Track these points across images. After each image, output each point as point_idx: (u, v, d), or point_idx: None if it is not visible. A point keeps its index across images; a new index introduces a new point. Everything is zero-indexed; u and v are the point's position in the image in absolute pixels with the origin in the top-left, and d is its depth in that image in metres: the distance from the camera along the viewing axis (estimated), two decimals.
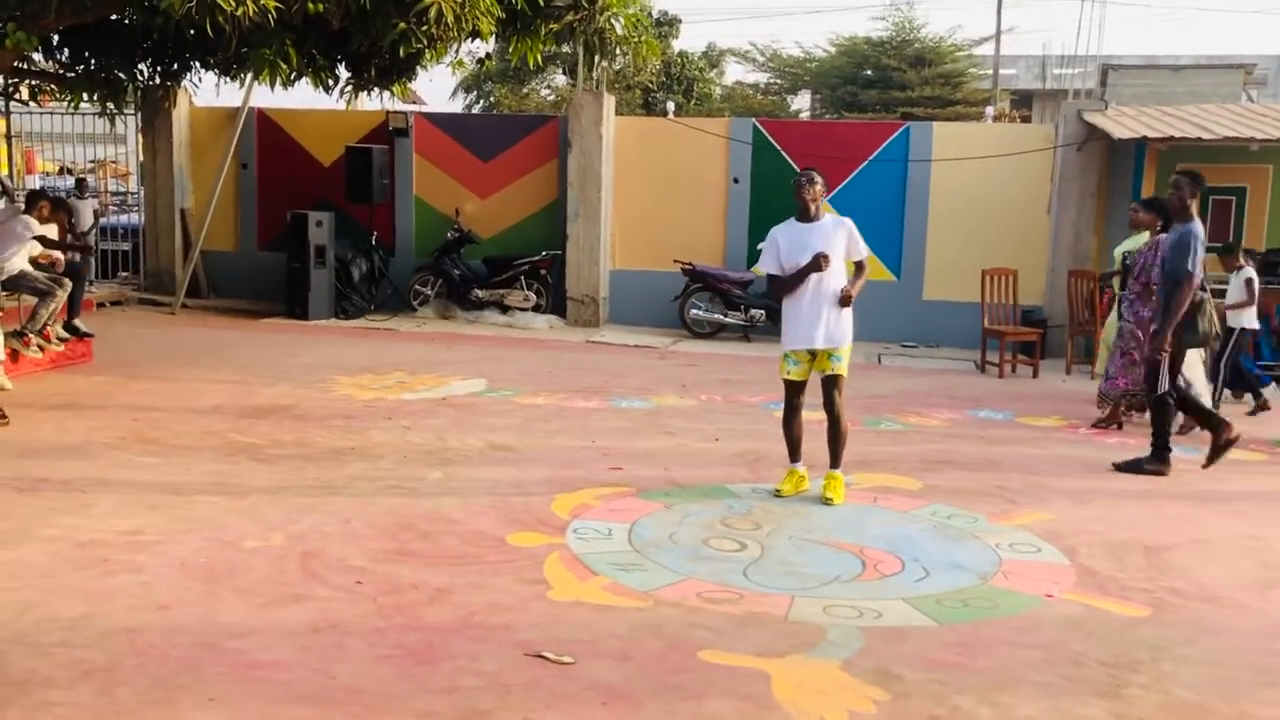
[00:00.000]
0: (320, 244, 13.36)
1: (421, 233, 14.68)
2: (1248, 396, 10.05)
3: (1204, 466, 7.43)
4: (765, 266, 6.57)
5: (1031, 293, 12.89)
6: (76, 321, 9.75)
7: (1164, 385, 7.43)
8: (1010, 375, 11.54)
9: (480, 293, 13.98)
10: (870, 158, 13.58)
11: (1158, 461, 7.45)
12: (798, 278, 6.32)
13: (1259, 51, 26.94)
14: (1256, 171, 12.71)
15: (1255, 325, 9.79)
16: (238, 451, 7.05)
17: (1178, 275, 7.22)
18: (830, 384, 6.40)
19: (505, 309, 13.90)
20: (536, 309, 13.90)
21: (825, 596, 4.89)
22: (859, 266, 6.49)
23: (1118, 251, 9.50)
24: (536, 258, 13.96)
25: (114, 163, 19.45)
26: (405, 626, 4.37)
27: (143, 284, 14.70)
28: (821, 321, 6.31)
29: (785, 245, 6.42)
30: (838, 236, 6.36)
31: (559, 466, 6.97)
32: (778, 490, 6.50)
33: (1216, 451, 7.39)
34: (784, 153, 13.75)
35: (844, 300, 6.28)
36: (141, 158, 15.10)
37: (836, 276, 6.34)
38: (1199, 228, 7.24)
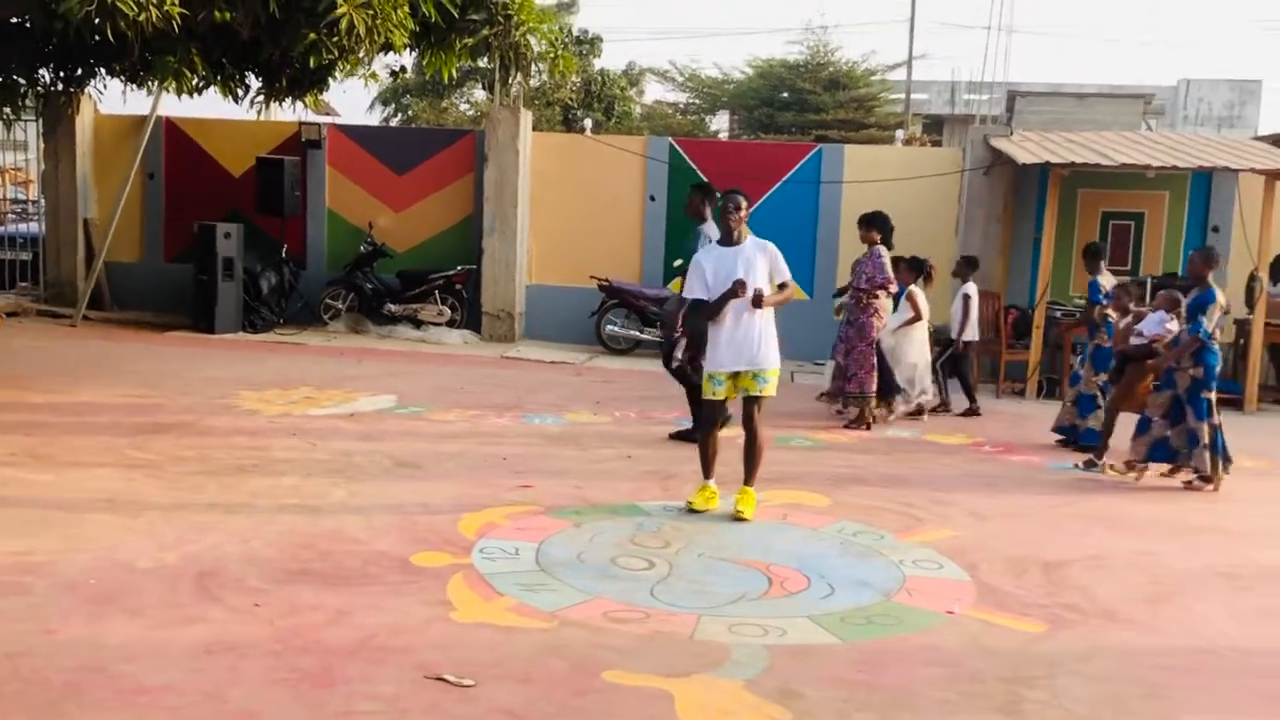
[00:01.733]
0: (229, 256, 13.08)
1: (334, 246, 14.47)
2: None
3: (669, 436, 8.41)
4: (691, 293, 6.61)
5: (939, 313, 13.12)
6: None
7: (677, 359, 8.16)
8: None
9: (393, 307, 13.82)
10: (784, 178, 13.74)
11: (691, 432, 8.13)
12: (719, 304, 6.41)
13: (1157, 82, 27.93)
14: (1154, 198, 13.13)
15: (974, 337, 10.79)
16: (135, 468, 6.85)
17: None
18: (752, 403, 6.47)
19: (419, 324, 13.75)
20: (451, 324, 13.77)
21: (731, 615, 4.90)
22: (782, 287, 6.58)
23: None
24: (451, 272, 13.84)
25: (14, 170, 18.84)
26: (302, 649, 4.27)
27: (42, 295, 14.24)
28: (747, 344, 6.39)
29: (712, 271, 6.49)
30: (760, 261, 6.47)
31: (467, 485, 6.89)
32: (689, 504, 6.51)
33: (686, 435, 8.19)
34: (700, 172, 13.82)
35: (756, 300, 6.32)
36: (43, 165, 14.64)
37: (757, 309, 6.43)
38: (711, 228, 7.90)
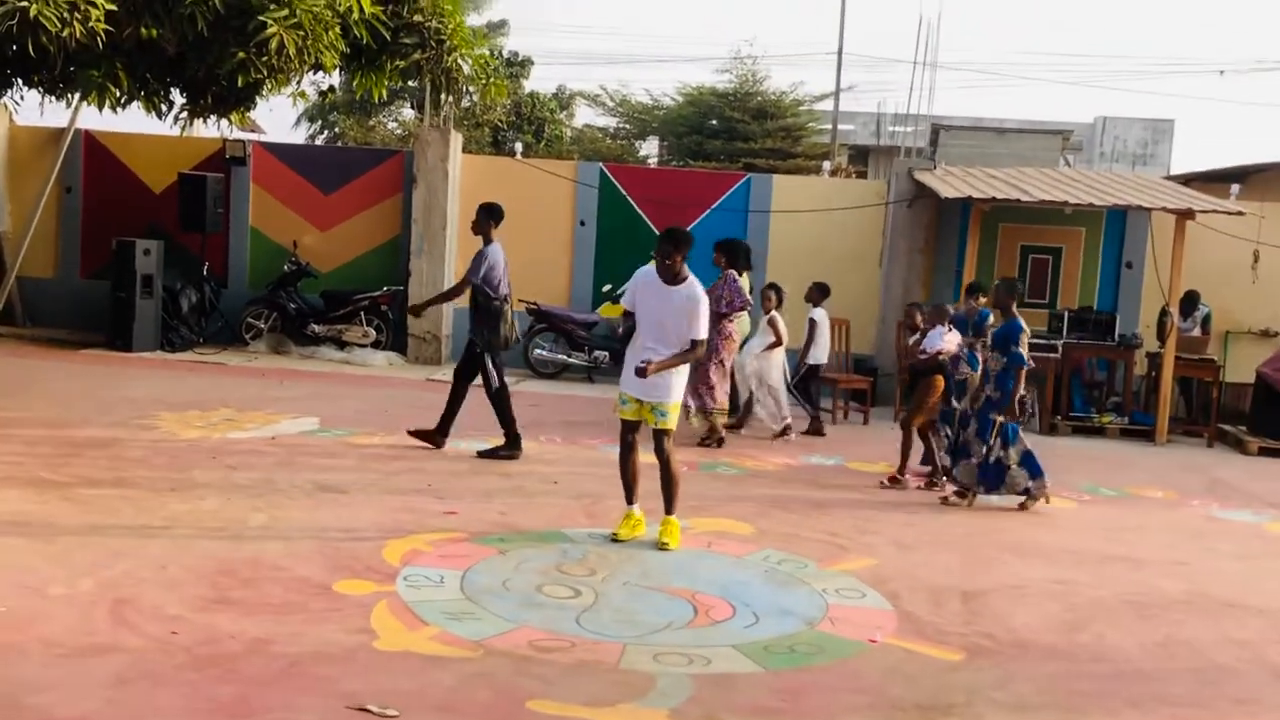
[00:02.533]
0: (147, 273, 12.84)
1: (256, 264, 14.28)
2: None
3: (478, 454, 8.55)
4: (624, 301, 6.66)
5: (864, 342, 13.34)
6: None
7: (494, 382, 8.54)
8: (842, 421, 11.89)
9: (317, 327, 13.66)
10: (713, 206, 13.89)
11: (510, 448, 8.55)
12: (630, 333, 6.53)
13: (1075, 119, 28.69)
14: (1071, 233, 13.51)
15: (822, 360, 11.13)
16: (49, 491, 6.67)
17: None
18: (658, 435, 6.49)
19: (343, 345, 13.60)
20: (376, 345, 13.64)
21: (657, 644, 4.92)
22: (692, 344, 6.38)
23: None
24: (377, 293, 13.73)
25: None
26: (221, 678, 4.19)
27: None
28: (648, 377, 6.32)
29: (641, 294, 6.48)
30: (683, 313, 6.35)
31: (392, 510, 6.83)
32: (614, 535, 6.49)
33: (496, 453, 8.53)
34: (629, 198, 13.93)
35: (639, 372, 6.24)
36: None
37: (674, 336, 6.37)
38: (495, 251, 8.50)
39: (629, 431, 6.57)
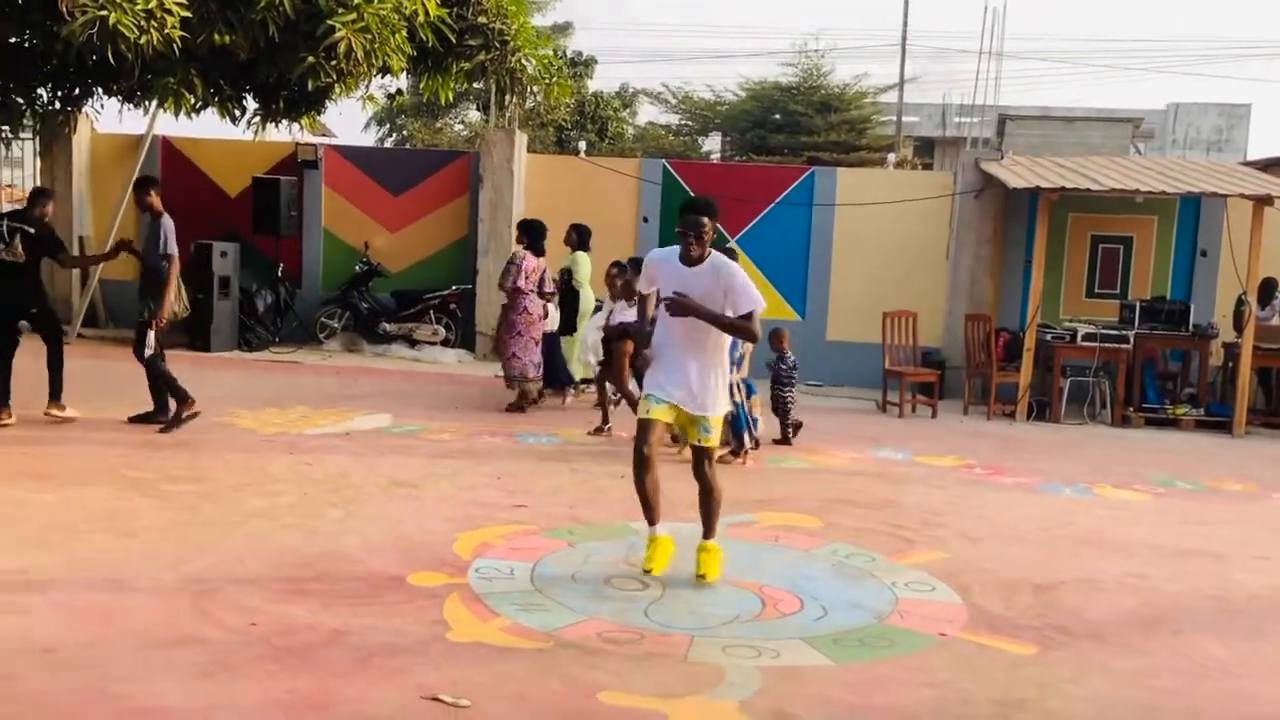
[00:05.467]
0: (225, 275, 13.15)
1: (329, 265, 14.54)
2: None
3: (161, 431, 8.51)
4: (641, 285, 5.91)
5: (931, 335, 13.22)
6: None
7: (149, 351, 8.63)
8: (910, 415, 11.80)
9: (388, 326, 13.88)
10: (776, 200, 13.84)
11: (184, 404, 8.64)
12: (651, 320, 5.72)
13: (1147, 106, 28.11)
14: (1142, 222, 13.25)
15: (603, 319, 10.66)
16: (132, 488, 6.87)
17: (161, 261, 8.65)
18: (701, 455, 5.66)
19: (413, 343, 13.81)
20: (445, 343, 13.84)
21: (725, 636, 4.94)
22: (745, 316, 5.50)
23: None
24: (446, 292, 13.91)
25: (9, 187, 18.88)
26: (299, 669, 4.30)
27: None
28: (686, 379, 5.51)
29: (662, 278, 5.63)
30: (715, 289, 5.46)
31: (462, 504, 6.93)
32: (646, 569, 5.66)
33: (177, 420, 8.57)
34: (693, 193, 13.93)
35: (670, 304, 5.42)
36: (40, 183, 14.67)
37: (712, 334, 5.53)
38: (168, 222, 8.75)
39: (647, 439, 5.52)
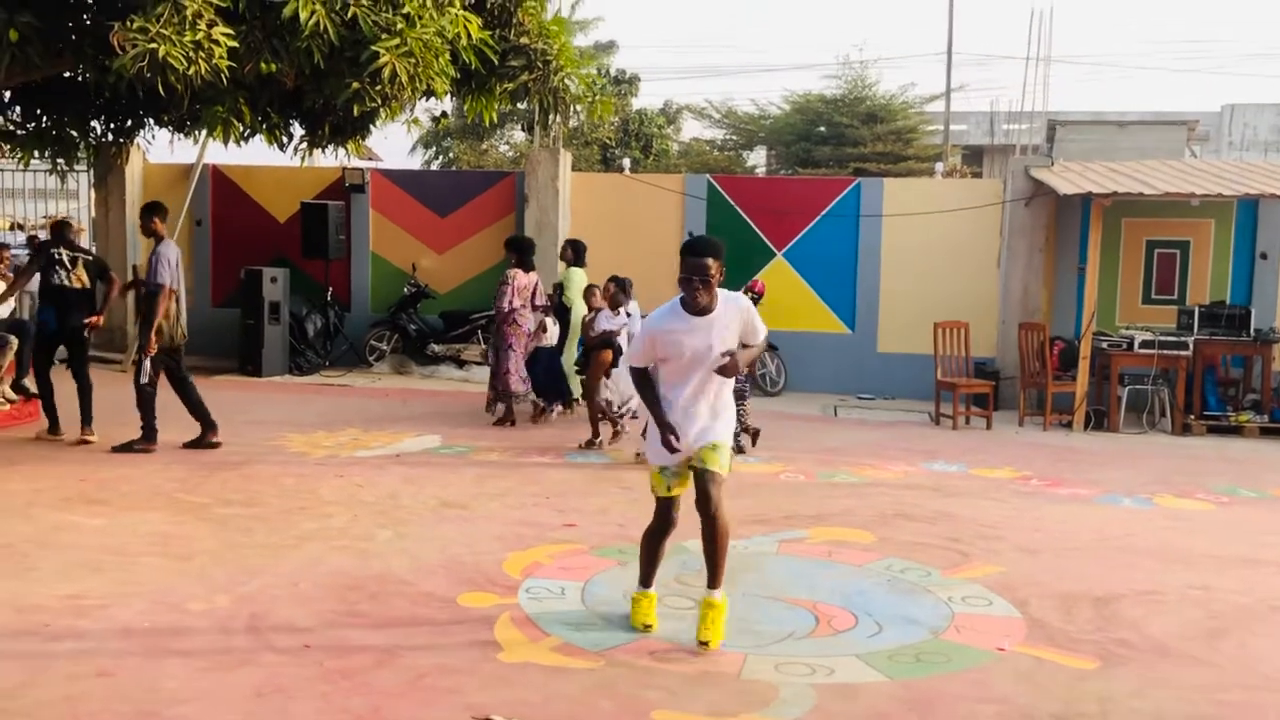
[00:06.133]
0: (275, 300, 13.30)
1: (377, 288, 14.67)
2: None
3: (113, 450, 8.68)
4: (633, 359, 5.20)
5: (984, 345, 13.05)
6: (25, 381, 9.61)
7: (143, 378, 8.69)
8: (964, 427, 11.65)
9: (437, 347, 13.96)
10: (823, 213, 13.75)
11: (145, 441, 8.72)
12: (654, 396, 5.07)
13: (1202, 108, 27.63)
14: (1199, 225, 13.00)
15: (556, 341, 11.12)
16: (185, 512, 6.95)
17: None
18: (706, 477, 4.95)
19: (462, 364, 13.87)
20: None
21: (778, 654, 4.87)
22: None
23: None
24: (494, 312, 13.95)
25: (66, 219, 19.27)
26: (352, 690, 4.30)
27: (92, 340, 14.49)
28: (698, 420, 5.00)
29: (667, 346, 4.98)
30: (731, 330, 4.97)
31: (512, 524, 6.92)
32: (645, 625, 5.11)
33: (128, 447, 8.71)
34: (738, 208, 13.91)
35: (725, 369, 4.90)
36: (94, 214, 14.98)
37: (717, 378, 5.04)
38: (165, 249, 8.78)
39: (670, 512, 5.11)
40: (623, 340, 9.72)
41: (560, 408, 11.18)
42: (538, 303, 10.76)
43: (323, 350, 14.03)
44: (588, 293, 10.48)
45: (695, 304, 4.89)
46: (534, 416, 10.91)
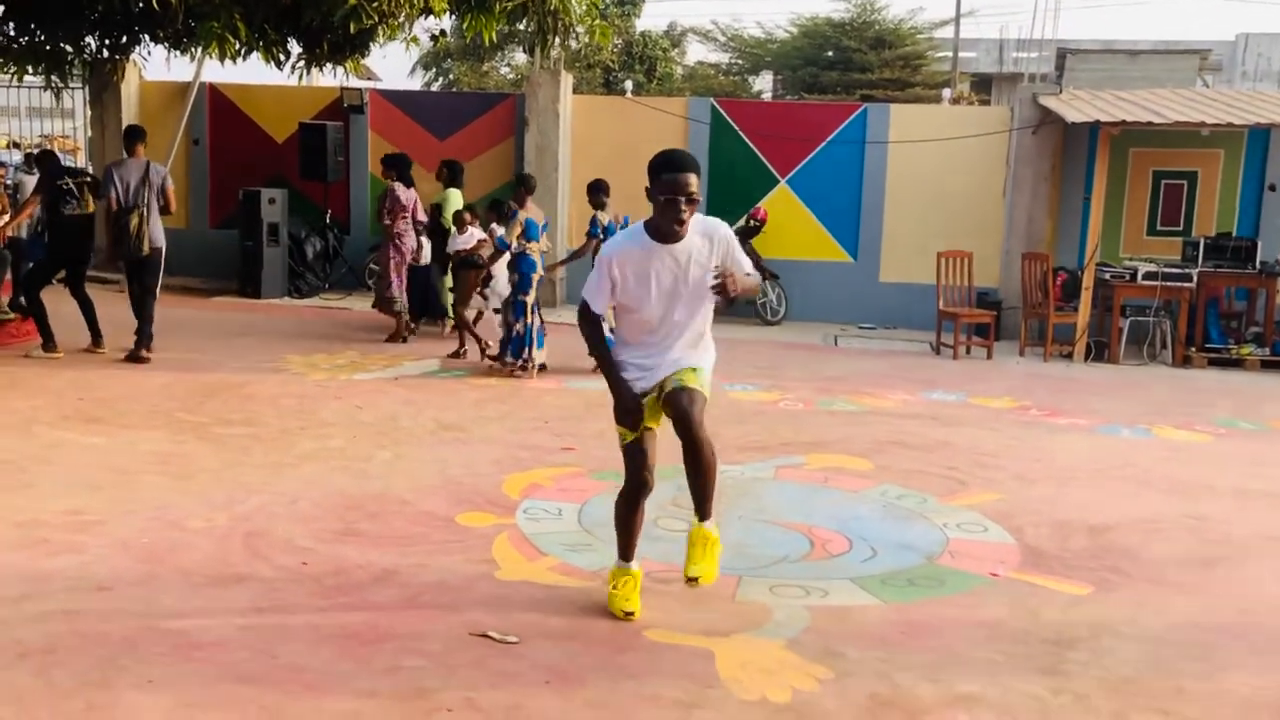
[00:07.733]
0: (273, 222, 13.21)
1: (377, 210, 14.53)
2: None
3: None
4: (594, 300, 4.31)
5: (987, 275, 12.99)
6: (21, 299, 9.59)
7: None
8: (965, 357, 11.64)
9: None
10: (828, 139, 13.60)
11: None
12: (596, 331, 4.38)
13: (1215, 37, 27.22)
14: (1208, 156, 12.86)
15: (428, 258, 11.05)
16: (184, 431, 6.96)
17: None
18: (681, 395, 4.21)
19: None
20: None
21: (772, 576, 4.90)
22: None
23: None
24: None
25: (62, 137, 19.09)
26: (349, 606, 4.33)
27: (90, 261, 14.43)
28: (669, 354, 4.32)
29: (633, 276, 4.22)
30: (708, 259, 4.22)
31: (510, 447, 6.94)
32: (628, 612, 4.35)
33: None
34: (742, 133, 13.74)
35: (721, 287, 4.07)
36: (90, 132, 14.82)
37: (699, 314, 4.34)
38: (118, 167, 9.08)
39: (646, 462, 4.41)
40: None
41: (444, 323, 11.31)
42: (419, 218, 10.76)
43: (322, 273, 13.96)
44: (457, 216, 10.44)
45: (678, 230, 4.15)
46: (397, 332, 10.83)
